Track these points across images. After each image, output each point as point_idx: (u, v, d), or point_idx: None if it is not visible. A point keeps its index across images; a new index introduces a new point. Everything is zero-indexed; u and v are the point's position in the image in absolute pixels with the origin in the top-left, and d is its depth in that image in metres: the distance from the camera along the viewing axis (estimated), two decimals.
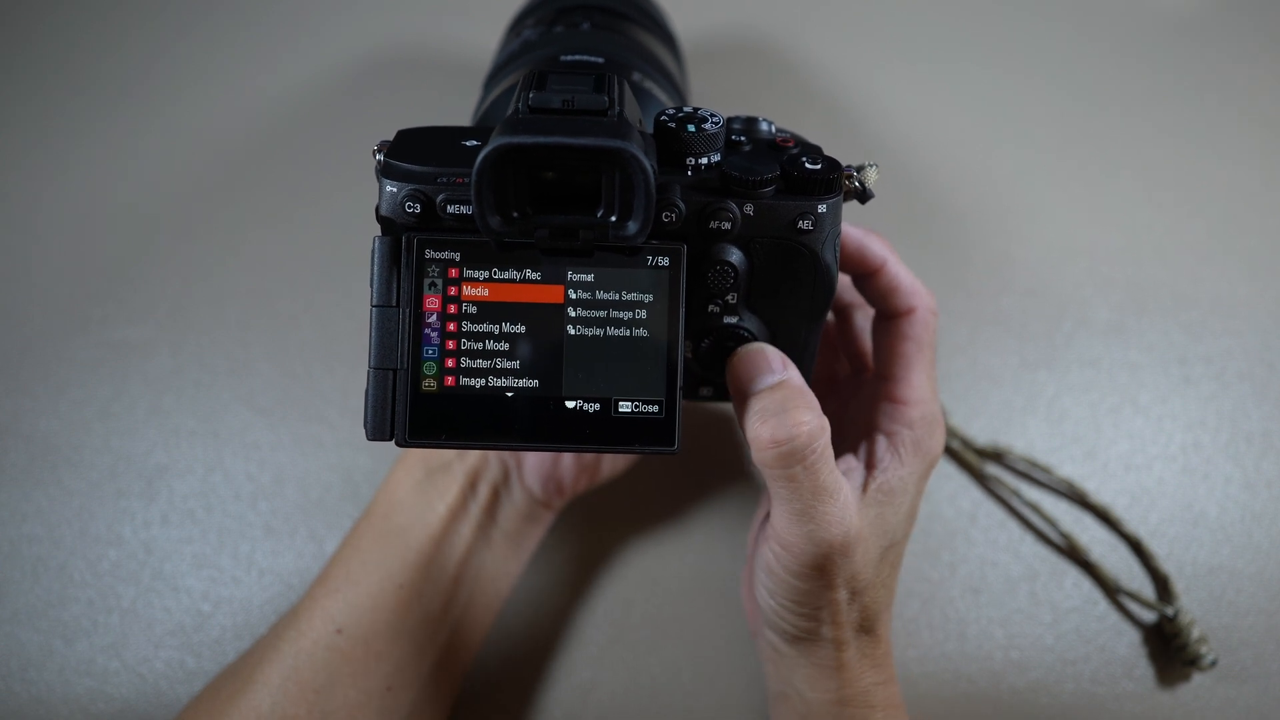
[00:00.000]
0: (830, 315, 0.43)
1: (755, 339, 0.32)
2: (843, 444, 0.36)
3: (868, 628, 0.34)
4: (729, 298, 0.31)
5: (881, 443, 0.35)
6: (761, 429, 0.30)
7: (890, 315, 0.36)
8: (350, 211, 0.54)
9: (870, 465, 0.34)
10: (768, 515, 0.33)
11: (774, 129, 0.32)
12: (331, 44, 0.62)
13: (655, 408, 0.29)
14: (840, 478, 0.31)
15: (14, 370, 0.50)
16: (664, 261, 0.29)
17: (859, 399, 0.38)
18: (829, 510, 0.31)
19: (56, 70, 0.61)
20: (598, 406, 0.29)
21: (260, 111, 0.59)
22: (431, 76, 0.61)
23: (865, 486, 0.33)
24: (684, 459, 0.47)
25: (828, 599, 0.32)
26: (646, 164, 0.25)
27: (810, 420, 0.30)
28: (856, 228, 0.35)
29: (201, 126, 0.59)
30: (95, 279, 0.53)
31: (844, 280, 0.39)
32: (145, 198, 0.56)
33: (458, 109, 0.54)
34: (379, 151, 0.29)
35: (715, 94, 0.58)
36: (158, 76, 0.61)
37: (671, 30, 0.51)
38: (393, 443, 0.29)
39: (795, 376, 0.31)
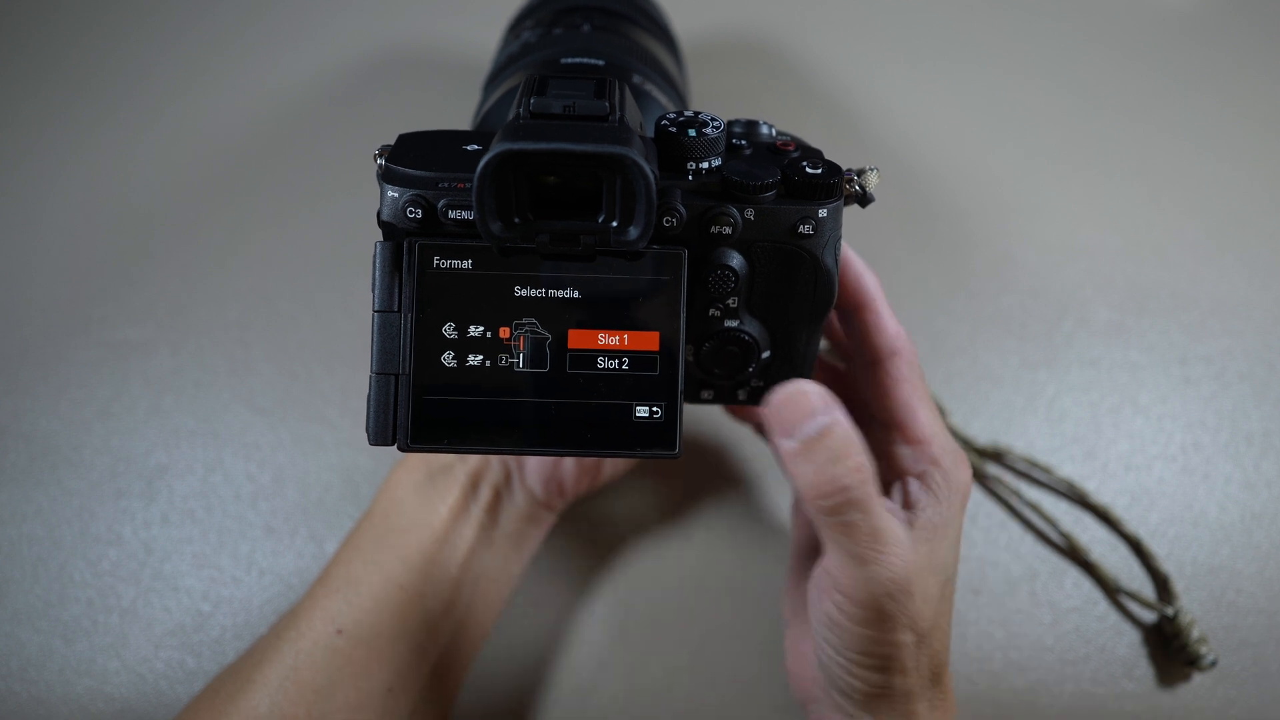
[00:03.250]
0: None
1: (756, 343, 0.32)
2: None
3: (937, 675, 0.33)
4: (730, 302, 0.31)
5: (914, 485, 0.34)
6: (819, 479, 0.29)
7: (875, 358, 0.36)
8: (350, 212, 0.54)
9: (908, 506, 0.34)
10: (807, 574, 0.33)
11: (774, 132, 0.32)
12: (331, 44, 0.62)
13: (657, 412, 0.29)
14: (889, 519, 0.31)
15: (14, 370, 0.50)
16: (665, 266, 0.29)
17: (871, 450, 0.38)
18: (885, 550, 0.30)
19: (56, 70, 0.61)
20: (599, 411, 0.29)
21: (260, 112, 0.59)
22: (431, 77, 0.61)
23: (911, 525, 0.33)
24: (685, 461, 0.47)
25: (894, 644, 0.31)
26: (648, 169, 0.25)
27: (865, 465, 0.30)
28: (858, 259, 0.35)
29: (201, 127, 0.59)
30: (95, 279, 0.53)
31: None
32: (145, 198, 0.56)
33: (457, 109, 0.54)
34: (380, 156, 0.29)
35: (715, 95, 0.58)
36: (157, 78, 0.61)
37: (671, 31, 0.51)
38: (395, 448, 0.29)
39: (841, 418, 0.30)
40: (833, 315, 0.42)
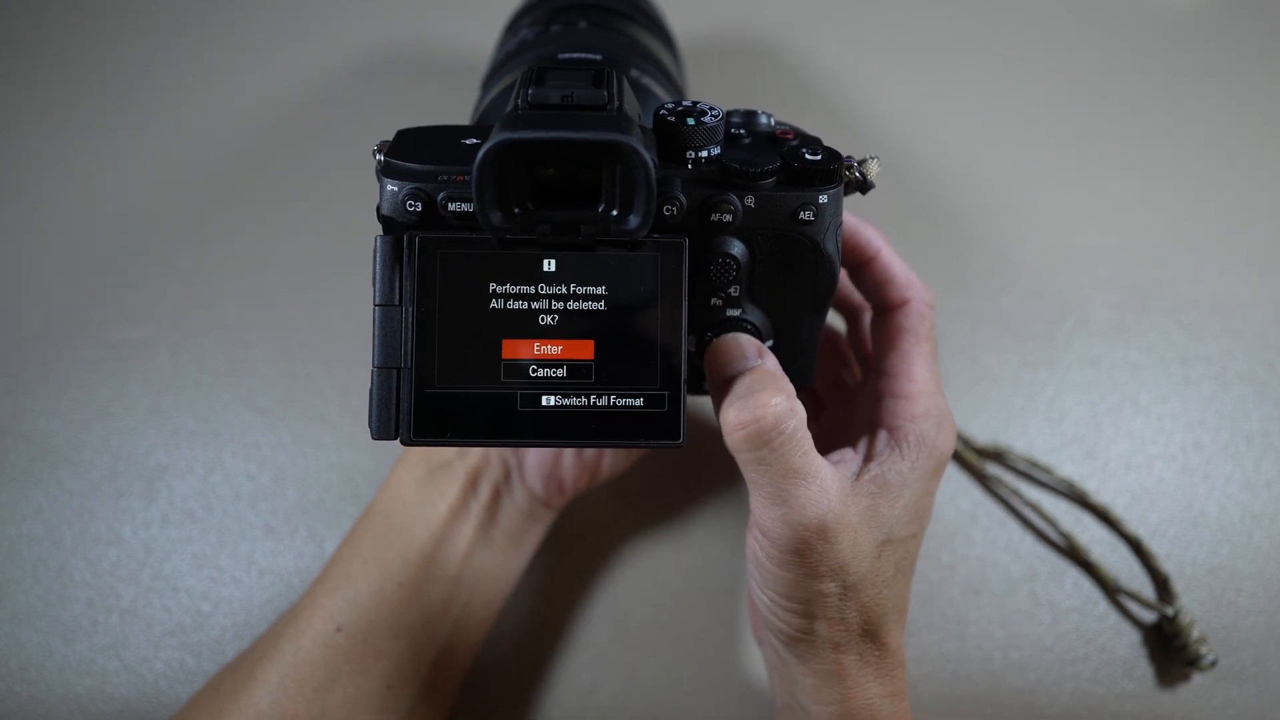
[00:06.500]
0: (841, 324, 0.43)
1: (759, 331, 0.32)
2: (848, 443, 0.36)
3: (871, 632, 0.33)
4: (731, 290, 0.31)
5: (882, 437, 0.34)
6: (728, 411, 0.30)
7: (884, 309, 0.36)
8: (350, 211, 0.54)
9: (868, 458, 0.33)
10: None
11: (773, 121, 0.32)
12: (330, 43, 0.62)
13: (660, 402, 0.29)
14: (817, 462, 0.30)
15: (14, 370, 0.50)
16: (666, 255, 0.29)
17: (864, 398, 0.38)
18: (802, 493, 0.30)
19: (55, 69, 0.61)
20: (603, 401, 0.29)
21: (259, 111, 0.59)
22: (429, 77, 0.61)
23: (859, 476, 0.32)
24: (684, 458, 0.47)
25: (815, 590, 0.31)
26: (647, 157, 0.25)
27: (778, 402, 0.29)
28: (852, 215, 0.35)
29: (201, 126, 0.59)
30: (95, 279, 0.53)
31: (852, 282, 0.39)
32: (145, 197, 0.56)
33: (456, 109, 0.54)
34: (379, 151, 0.29)
35: (713, 93, 0.58)
36: (156, 77, 0.61)
37: (668, 28, 0.51)
38: (398, 442, 0.29)
39: (769, 362, 0.31)
40: (840, 331, 0.42)
